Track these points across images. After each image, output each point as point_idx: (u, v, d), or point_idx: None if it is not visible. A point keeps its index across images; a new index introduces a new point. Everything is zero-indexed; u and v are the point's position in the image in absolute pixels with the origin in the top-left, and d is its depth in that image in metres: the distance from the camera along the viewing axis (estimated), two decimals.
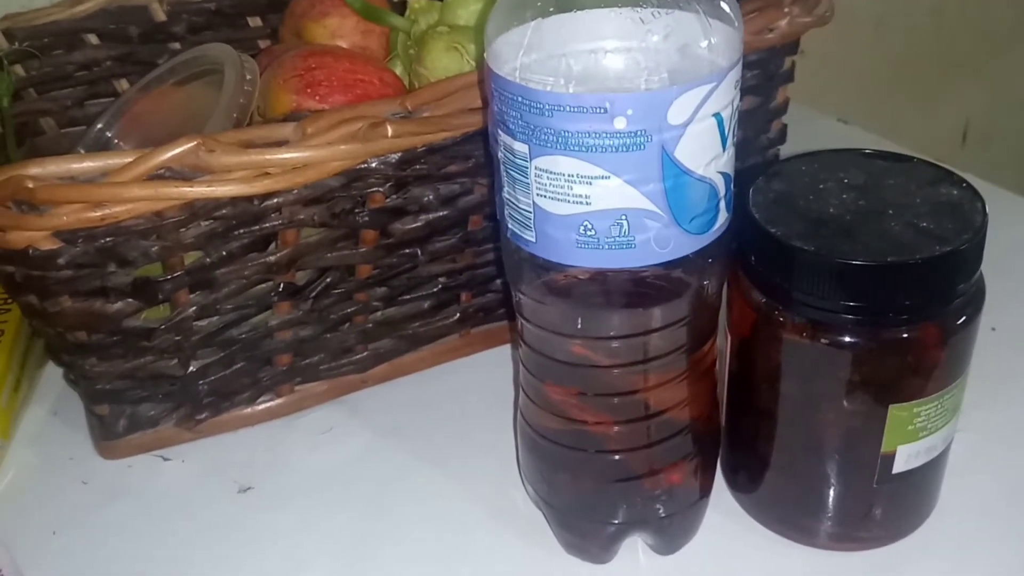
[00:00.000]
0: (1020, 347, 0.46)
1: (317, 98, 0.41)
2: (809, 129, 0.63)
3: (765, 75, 0.47)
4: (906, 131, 0.92)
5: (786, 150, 0.52)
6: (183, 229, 0.36)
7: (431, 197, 0.41)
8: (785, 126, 0.51)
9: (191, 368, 0.41)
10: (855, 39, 0.88)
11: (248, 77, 0.41)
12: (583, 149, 0.28)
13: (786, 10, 0.44)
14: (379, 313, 0.44)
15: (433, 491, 0.41)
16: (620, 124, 0.27)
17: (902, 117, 0.93)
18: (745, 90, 0.47)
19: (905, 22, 0.91)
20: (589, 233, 0.29)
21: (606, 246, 0.29)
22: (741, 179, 0.35)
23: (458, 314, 0.47)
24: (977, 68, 0.98)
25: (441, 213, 0.42)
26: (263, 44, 0.55)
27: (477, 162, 0.41)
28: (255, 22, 0.55)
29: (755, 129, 0.49)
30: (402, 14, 0.47)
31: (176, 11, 0.53)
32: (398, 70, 0.46)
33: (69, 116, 0.52)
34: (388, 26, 0.47)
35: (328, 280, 0.42)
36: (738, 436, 0.38)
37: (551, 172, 0.29)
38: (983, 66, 0.99)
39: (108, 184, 0.33)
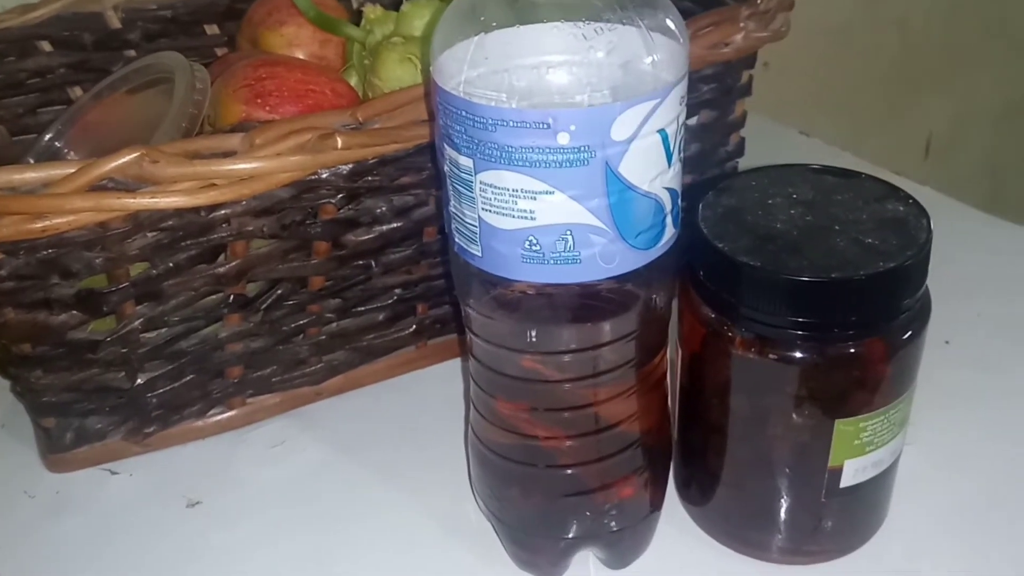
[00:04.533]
0: (972, 361, 0.46)
1: (267, 108, 0.40)
2: (771, 141, 0.63)
3: (722, 89, 0.47)
4: (869, 144, 0.93)
5: (748, 162, 0.52)
6: (128, 240, 0.36)
7: (384, 209, 0.41)
8: (743, 139, 0.51)
9: (139, 381, 0.40)
10: (819, 52, 0.89)
11: (198, 86, 0.40)
12: (527, 164, 0.28)
13: (741, 25, 0.44)
14: (333, 325, 0.44)
15: (386, 505, 0.40)
16: (563, 140, 0.27)
17: (865, 130, 0.94)
18: (702, 103, 0.47)
19: (869, 36, 0.92)
20: (534, 248, 0.29)
21: (552, 261, 0.29)
22: (693, 193, 0.35)
23: (414, 326, 0.46)
24: (940, 82, 0.99)
25: (395, 225, 0.42)
26: (220, 52, 0.55)
27: (430, 174, 0.40)
28: (212, 30, 0.54)
29: (713, 142, 0.49)
30: (359, 24, 0.47)
31: (131, 18, 0.52)
32: (353, 80, 0.46)
33: (22, 124, 0.51)
34: (343, 36, 0.47)
35: (279, 292, 0.41)
36: (689, 450, 0.38)
37: (496, 187, 0.29)
38: (946, 80, 1.00)
39: (49, 195, 0.33)
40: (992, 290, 0.51)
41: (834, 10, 0.88)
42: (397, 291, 0.45)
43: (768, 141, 0.57)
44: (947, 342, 0.47)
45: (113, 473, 0.43)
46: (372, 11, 0.45)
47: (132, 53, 0.52)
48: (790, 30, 0.46)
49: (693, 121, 0.47)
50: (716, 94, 0.47)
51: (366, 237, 0.41)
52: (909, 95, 0.98)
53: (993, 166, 1.08)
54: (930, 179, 0.61)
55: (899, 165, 0.64)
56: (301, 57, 0.48)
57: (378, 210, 0.41)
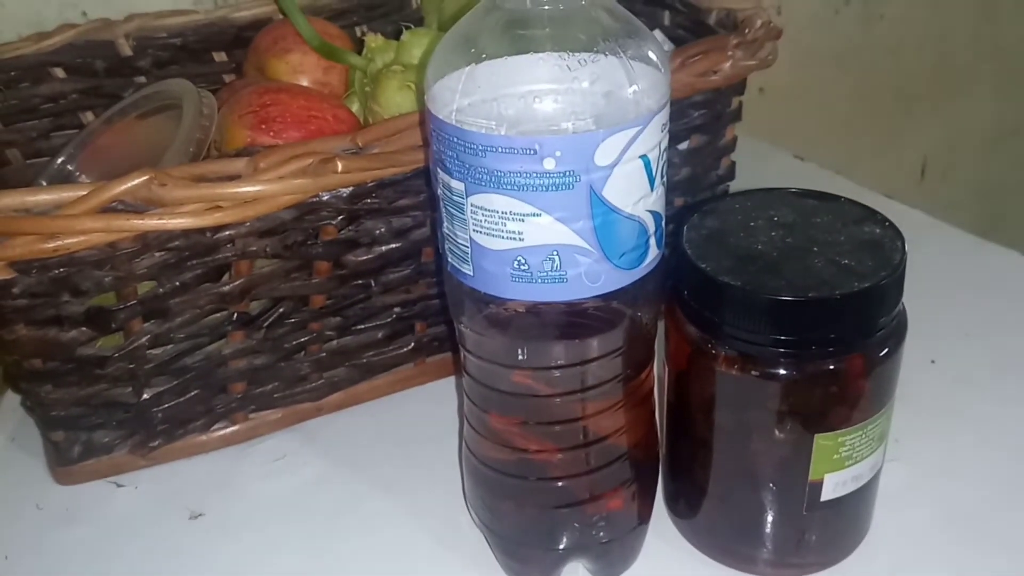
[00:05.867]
0: (957, 379, 0.47)
1: (271, 134, 0.42)
2: (765, 165, 0.65)
3: (712, 114, 0.48)
4: (865, 167, 0.94)
5: (742, 185, 0.53)
6: (136, 260, 0.37)
7: (383, 230, 0.42)
8: (734, 163, 0.52)
9: (145, 396, 0.42)
10: (814, 77, 0.90)
11: (205, 112, 0.42)
12: (515, 188, 0.29)
13: (729, 53, 0.45)
14: (334, 342, 0.45)
15: (384, 519, 0.42)
16: (549, 165, 0.29)
17: (861, 153, 0.95)
18: (693, 128, 0.48)
19: (864, 61, 0.94)
20: (523, 267, 0.30)
21: (539, 280, 0.31)
22: (680, 216, 0.36)
23: (413, 343, 0.48)
24: (935, 105, 1.01)
25: (394, 245, 0.43)
26: (228, 78, 0.56)
27: (428, 196, 0.42)
28: (220, 57, 0.56)
29: (704, 166, 0.51)
30: (361, 52, 0.49)
31: (142, 46, 0.54)
32: (355, 107, 0.47)
33: (35, 148, 0.53)
34: (345, 64, 0.49)
35: (282, 310, 0.42)
36: (677, 464, 0.39)
37: (486, 209, 0.30)
38: (941, 103, 1.01)
39: (61, 216, 0.34)
40: (978, 311, 0.52)
41: (829, 35, 0.90)
42: (396, 310, 0.46)
43: (762, 165, 0.58)
44: (933, 361, 0.48)
45: (119, 486, 0.44)
46: (373, 40, 0.47)
47: (143, 79, 0.54)
48: (778, 57, 0.48)
49: (684, 146, 0.49)
50: (706, 119, 0.48)
51: (366, 257, 0.43)
52: (904, 119, 0.99)
53: (989, 188, 1.10)
54: (927, 202, 0.63)
55: (895, 188, 0.66)
56: (305, 84, 0.50)
57: (377, 231, 0.42)
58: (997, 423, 0.45)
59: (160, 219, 0.35)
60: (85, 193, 0.34)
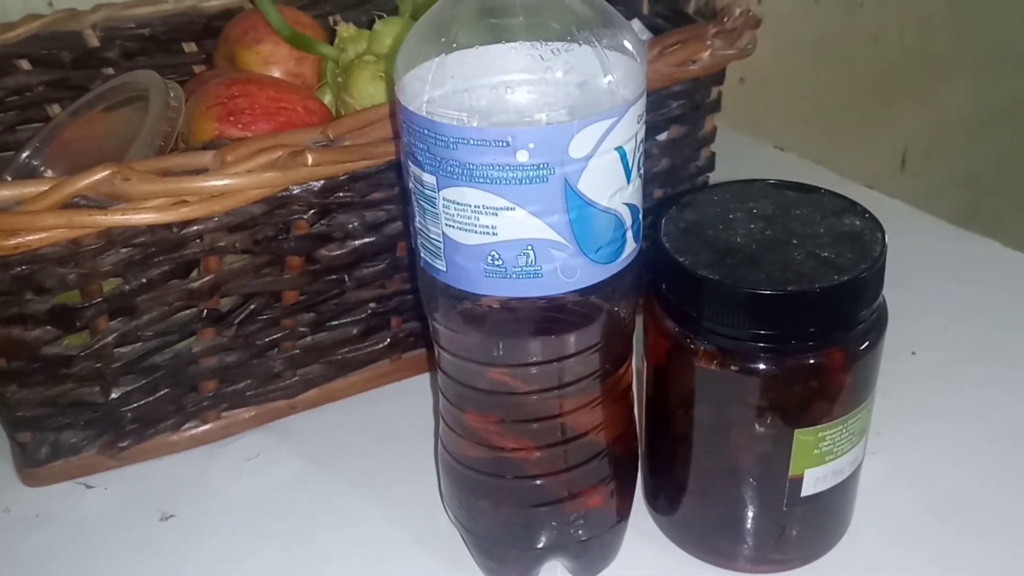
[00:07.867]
0: (937, 371, 0.47)
1: (240, 126, 0.41)
2: (745, 156, 0.64)
3: (691, 104, 0.48)
4: (845, 157, 0.94)
5: (722, 176, 0.52)
6: (100, 257, 0.36)
7: (356, 224, 0.41)
8: (713, 154, 0.52)
9: (113, 395, 0.41)
10: (794, 67, 0.90)
11: (172, 104, 0.41)
12: (488, 181, 0.28)
13: (708, 43, 0.45)
14: (307, 339, 0.45)
15: (358, 516, 0.41)
16: (523, 157, 0.28)
17: (841, 143, 0.95)
18: (672, 119, 0.48)
19: (844, 49, 0.93)
20: (497, 263, 0.30)
21: (514, 275, 0.30)
22: (658, 208, 0.36)
23: (388, 339, 0.47)
24: (915, 95, 1.01)
25: (367, 239, 0.42)
26: (198, 70, 0.55)
27: (402, 189, 0.41)
28: (190, 48, 0.55)
29: (683, 157, 0.50)
30: (333, 42, 0.48)
31: (109, 36, 0.52)
32: (327, 98, 0.46)
33: (0, 141, 0.51)
34: (317, 54, 0.48)
35: (253, 306, 0.42)
36: (656, 460, 0.38)
37: (458, 203, 0.29)
38: (921, 93, 1.01)
39: (21, 213, 0.33)
40: (960, 302, 0.52)
41: (809, 25, 0.90)
42: (371, 305, 0.45)
43: (743, 156, 0.58)
44: (913, 353, 0.48)
45: (88, 487, 0.43)
46: (345, 29, 0.46)
47: (111, 71, 0.53)
48: (758, 47, 0.47)
49: (663, 137, 0.48)
50: (685, 110, 0.47)
51: (339, 252, 0.42)
52: (884, 108, 0.99)
53: (970, 178, 1.10)
54: (907, 192, 0.62)
55: (876, 178, 0.65)
56: (277, 75, 0.48)
57: (350, 225, 0.41)
58: (978, 414, 0.44)
59: (124, 214, 0.34)
60: (46, 188, 0.33)
